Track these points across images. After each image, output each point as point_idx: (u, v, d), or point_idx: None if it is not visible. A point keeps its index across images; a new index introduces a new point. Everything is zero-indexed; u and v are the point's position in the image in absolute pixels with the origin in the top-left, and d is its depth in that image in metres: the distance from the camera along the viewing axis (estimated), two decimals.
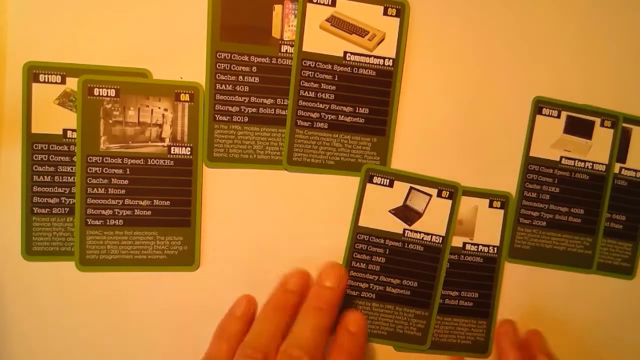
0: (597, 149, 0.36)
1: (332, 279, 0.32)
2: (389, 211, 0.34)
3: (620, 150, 0.36)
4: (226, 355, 0.30)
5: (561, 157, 0.36)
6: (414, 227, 0.35)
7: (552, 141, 0.36)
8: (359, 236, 0.34)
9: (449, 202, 0.35)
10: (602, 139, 0.36)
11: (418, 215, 0.35)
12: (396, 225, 0.35)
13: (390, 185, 0.34)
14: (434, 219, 0.35)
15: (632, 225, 0.37)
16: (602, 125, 0.36)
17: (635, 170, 0.37)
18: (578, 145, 0.36)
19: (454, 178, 0.35)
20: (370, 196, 0.34)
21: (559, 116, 0.36)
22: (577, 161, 0.36)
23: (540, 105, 0.35)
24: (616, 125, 0.36)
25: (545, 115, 0.35)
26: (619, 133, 0.36)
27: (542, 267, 0.36)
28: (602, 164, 0.36)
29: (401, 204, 0.34)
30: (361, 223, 0.34)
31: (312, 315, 0.30)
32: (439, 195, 0.35)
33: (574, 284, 0.37)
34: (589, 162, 0.36)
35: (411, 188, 0.34)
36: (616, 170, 0.37)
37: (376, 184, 0.34)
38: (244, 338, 0.30)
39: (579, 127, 0.36)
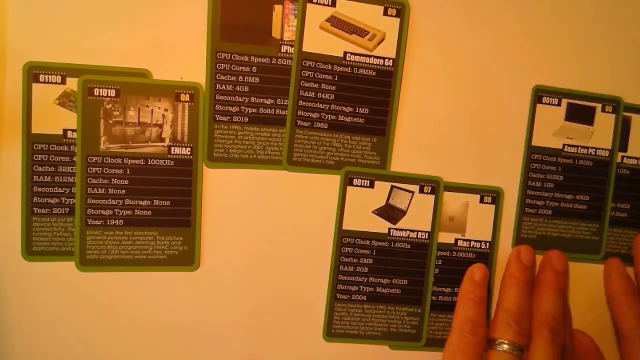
0: (599, 135, 0.36)
1: (562, 264, 0.35)
2: (372, 212, 0.34)
3: (621, 139, 0.36)
4: (481, 316, 0.33)
5: (564, 145, 0.36)
6: (399, 225, 0.35)
7: (553, 129, 0.36)
8: (344, 240, 0.34)
9: (432, 197, 0.35)
10: (604, 125, 0.36)
11: (402, 213, 0.35)
12: (381, 225, 0.35)
13: (371, 185, 0.34)
14: (418, 216, 0.35)
15: (637, 213, 0.37)
16: (603, 110, 0.36)
17: (637, 158, 0.37)
18: (580, 132, 0.36)
19: (456, 176, 0.35)
20: (352, 198, 0.34)
21: (559, 104, 0.36)
22: (579, 148, 0.36)
23: (540, 94, 0.35)
24: (617, 110, 0.36)
25: (545, 103, 0.35)
26: (620, 117, 0.36)
27: None
28: (605, 150, 0.36)
29: (384, 204, 0.34)
30: (345, 227, 0.34)
31: (553, 295, 0.33)
32: (421, 191, 0.35)
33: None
34: (592, 148, 0.36)
35: (392, 187, 0.34)
36: (618, 160, 0.37)
37: (356, 185, 0.34)
38: (504, 305, 0.33)
39: (580, 113, 0.36)
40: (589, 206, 0.36)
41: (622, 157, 0.37)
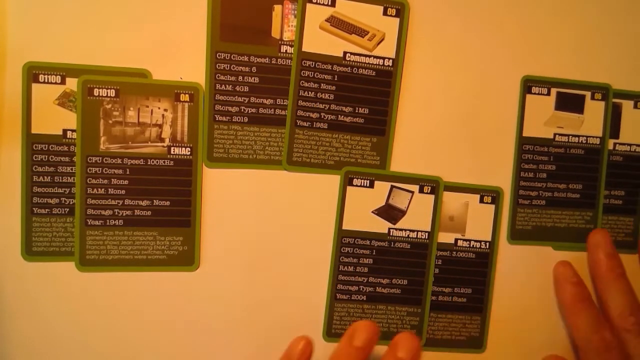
0: (589, 123, 0.36)
1: (406, 351, 0.29)
2: (372, 212, 0.34)
3: (613, 125, 0.36)
4: None
5: (555, 135, 0.36)
6: (399, 225, 0.35)
7: (544, 119, 0.36)
8: (344, 240, 0.34)
9: (432, 197, 0.35)
10: (594, 112, 0.36)
11: (402, 213, 0.35)
12: (381, 225, 0.35)
13: (371, 185, 0.34)
14: (418, 216, 0.35)
15: (632, 199, 0.37)
16: (592, 98, 0.36)
17: (629, 145, 0.37)
18: (570, 120, 0.36)
19: (455, 176, 0.35)
20: (352, 198, 0.34)
21: (548, 93, 0.36)
22: (570, 137, 0.36)
23: (529, 84, 0.35)
24: (607, 97, 0.36)
25: (535, 93, 0.35)
26: (610, 104, 0.36)
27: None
28: (597, 137, 0.36)
29: (384, 204, 0.34)
30: (345, 226, 0.34)
31: None
32: (421, 191, 0.35)
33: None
34: (583, 136, 0.36)
35: (392, 187, 0.34)
36: (610, 147, 0.37)
37: (356, 185, 0.34)
38: None
39: (569, 102, 0.36)
40: (582, 195, 0.36)
41: (615, 144, 0.37)
